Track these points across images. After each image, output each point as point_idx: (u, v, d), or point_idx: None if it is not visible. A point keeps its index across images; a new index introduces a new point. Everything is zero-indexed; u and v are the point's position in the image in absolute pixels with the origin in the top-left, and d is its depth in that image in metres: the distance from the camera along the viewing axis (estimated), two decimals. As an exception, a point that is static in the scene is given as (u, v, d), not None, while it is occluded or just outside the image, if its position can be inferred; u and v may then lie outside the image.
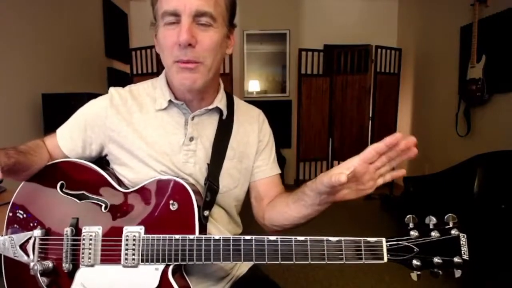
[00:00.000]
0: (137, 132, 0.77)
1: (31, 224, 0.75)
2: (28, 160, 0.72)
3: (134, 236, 0.68)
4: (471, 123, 3.04)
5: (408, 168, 4.30)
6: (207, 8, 0.67)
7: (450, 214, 0.61)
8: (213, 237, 0.65)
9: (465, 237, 0.59)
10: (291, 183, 4.26)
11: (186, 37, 0.66)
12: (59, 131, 0.83)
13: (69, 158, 0.81)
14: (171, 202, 0.69)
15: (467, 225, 0.62)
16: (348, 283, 2.02)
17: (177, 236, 0.66)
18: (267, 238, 0.63)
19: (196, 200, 0.69)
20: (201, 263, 0.65)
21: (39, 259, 0.72)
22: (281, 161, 4.23)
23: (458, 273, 0.59)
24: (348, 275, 2.08)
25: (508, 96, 2.65)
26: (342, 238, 0.62)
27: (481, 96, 2.80)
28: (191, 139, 0.78)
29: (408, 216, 0.62)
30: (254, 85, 4.55)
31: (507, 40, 2.59)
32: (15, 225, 0.77)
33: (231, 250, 0.64)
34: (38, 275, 0.69)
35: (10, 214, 0.78)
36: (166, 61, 0.72)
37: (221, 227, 0.82)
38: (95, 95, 0.84)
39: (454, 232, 0.60)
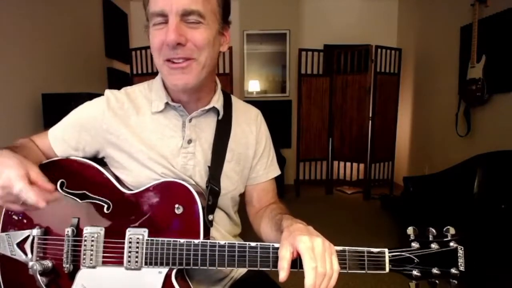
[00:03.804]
0: (135, 135, 0.76)
1: (29, 223, 0.74)
2: (25, 155, 0.70)
3: (138, 238, 0.67)
4: (471, 123, 3.03)
5: (408, 168, 4.30)
6: (194, 6, 0.66)
7: (448, 227, 0.64)
8: (218, 243, 0.65)
9: (462, 249, 0.63)
10: (291, 183, 4.26)
11: (174, 37, 0.65)
12: (52, 132, 0.81)
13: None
14: (176, 205, 0.68)
15: (469, 231, 0.64)
16: (348, 283, 2.03)
17: (182, 240, 0.65)
18: (272, 245, 0.63)
19: (201, 204, 0.68)
20: (206, 267, 0.65)
21: (37, 258, 0.71)
22: (281, 161, 4.23)
23: (454, 283, 0.63)
24: (348, 275, 2.10)
25: (508, 96, 2.64)
26: (346, 248, 0.63)
27: (481, 96, 2.80)
28: (190, 141, 0.77)
29: (409, 228, 0.65)
30: (254, 85, 4.54)
31: (507, 40, 2.59)
32: (12, 223, 0.76)
33: (236, 256, 0.64)
34: (38, 275, 0.69)
35: (8, 212, 0.77)
36: (156, 62, 0.72)
37: (221, 229, 0.82)
38: (95, 95, 0.83)
39: (452, 244, 0.63)
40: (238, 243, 0.64)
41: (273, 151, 0.92)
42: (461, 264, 0.62)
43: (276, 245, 0.62)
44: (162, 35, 0.67)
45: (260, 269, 0.64)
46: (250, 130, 0.86)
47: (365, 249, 0.62)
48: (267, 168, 0.89)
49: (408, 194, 2.47)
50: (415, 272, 0.63)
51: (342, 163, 4.20)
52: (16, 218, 0.76)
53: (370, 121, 3.83)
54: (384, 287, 2.01)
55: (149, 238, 0.67)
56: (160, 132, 0.77)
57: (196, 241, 0.65)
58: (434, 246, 0.63)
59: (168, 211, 0.69)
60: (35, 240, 0.72)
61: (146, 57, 3.65)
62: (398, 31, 4.60)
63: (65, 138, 0.79)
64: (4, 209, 0.78)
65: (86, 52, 3.42)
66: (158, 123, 0.77)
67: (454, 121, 3.21)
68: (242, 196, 0.89)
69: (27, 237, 0.73)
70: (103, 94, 0.80)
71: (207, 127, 0.80)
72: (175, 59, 0.68)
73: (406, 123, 4.30)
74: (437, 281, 0.63)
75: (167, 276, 0.67)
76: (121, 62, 4.14)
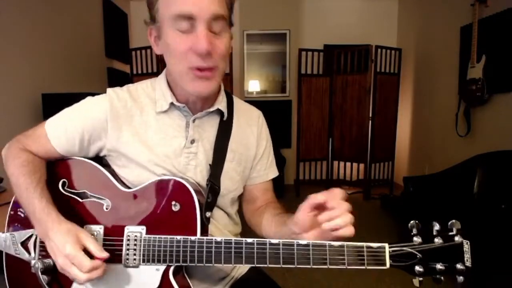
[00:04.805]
0: (137, 135, 0.76)
1: None
2: (44, 180, 0.73)
3: (136, 236, 0.68)
4: (471, 123, 3.04)
5: (408, 168, 4.30)
6: (222, 11, 0.67)
7: (453, 221, 0.61)
8: (215, 239, 0.65)
9: (468, 243, 0.60)
10: (291, 183, 4.26)
11: (206, 46, 0.64)
12: (52, 131, 0.77)
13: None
14: (173, 203, 0.69)
15: (469, 231, 0.62)
16: (348, 283, 2.02)
17: (178, 237, 0.66)
18: (269, 241, 0.63)
19: (199, 201, 0.69)
20: (202, 264, 0.65)
21: (40, 256, 0.72)
22: (281, 161, 4.24)
23: (460, 279, 0.59)
24: (348, 275, 2.07)
25: (508, 96, 2.65)
26: (345, 243, 0.61)
27: (481, 96, 2.80)
28: (192, 141, 0.77)
29: (411, 222, 0.62)
30: (254, 85, 4.55)
31: (507, 40, 2.59)
32: (16, 223, 0.77)
33: (232, 252, 0.64)
34: (39, 273, 0.69)
35: (12, 212, 0.78)
36: (178, 67, 0.69)
37: (221, 228, 0.82)
38: (95, 95, 0.82)
39: (457, 239, 0.60)
40: (234, 239, 0.64)
41: (272, 152, 0.93)
42: (467, 260, 0.59)
43: (273, 241, 0.62)
44: (188, 41, 0.66)
45: (257, 265, 0.64)
46: (251, 131, 0.87)
47: (364, 244, 0.61)
48: (267, 169, 0.90)
49: (408, 194, 2.47)
50: (417, 268, 0.60)
51: (342, 163, 4.20)
52: (20, 217, 0.77)
53: (370, 121, 3.84)
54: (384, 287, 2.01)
55: (147, 236, 0.68)
56: (163, 132, 0.77)
57: (192, 238, 0.66)
58: (438, 240, 0.60)
59: (165, 208, 0.69)
60: (38, 239, 0.73)
61: (146, 57, 3.65)
62: (398, 31, 4.60)
63: (68, 138, 0.77)
64: (9, 209, 0.79)
65: (86, 52, 3.42)
66: (162, 123, 0.77)
67: (454, 121, 3.21)
68: (241, 195, 0.89)
69: (31, 236, 0.74)
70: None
71: (209, 128, 0.80)
72: (204, 68, 0.68)
73: (406, 123, 4.30)
74: (442, 278, 0.60)
75: (165, 273, 0.67)
76: (121, 62, 4.14)
